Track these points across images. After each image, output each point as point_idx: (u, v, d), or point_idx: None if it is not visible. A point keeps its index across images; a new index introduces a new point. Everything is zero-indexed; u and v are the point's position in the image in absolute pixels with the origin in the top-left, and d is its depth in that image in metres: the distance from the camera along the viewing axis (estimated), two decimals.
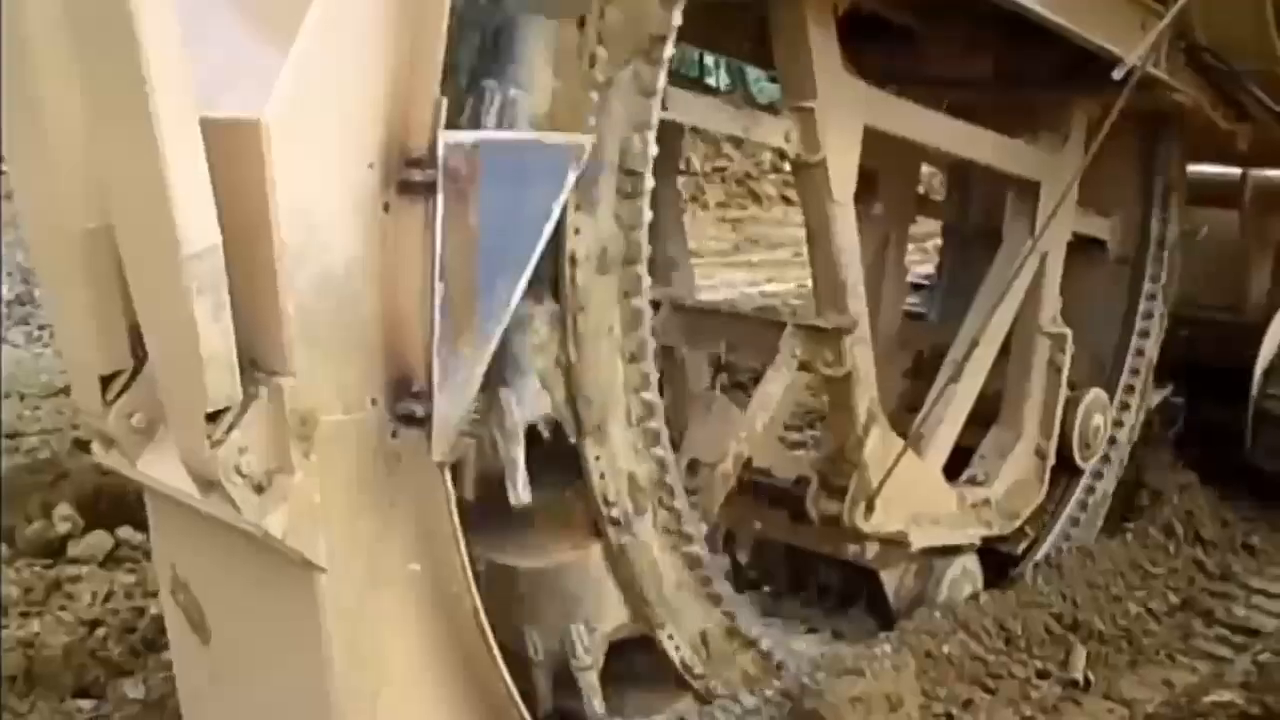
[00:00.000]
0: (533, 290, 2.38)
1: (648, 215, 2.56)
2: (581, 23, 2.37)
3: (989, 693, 3.40)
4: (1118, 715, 3.49)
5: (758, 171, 16.27)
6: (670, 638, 2.82)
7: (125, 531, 4.57)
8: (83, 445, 5.24)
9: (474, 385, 2.24)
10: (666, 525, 2.76)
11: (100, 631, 3.86)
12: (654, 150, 2.53)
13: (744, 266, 11.75)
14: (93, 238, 2.11)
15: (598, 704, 2.68)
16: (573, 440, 2.57)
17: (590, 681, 2.67)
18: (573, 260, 2.47)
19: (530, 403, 2.47)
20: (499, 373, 2.40)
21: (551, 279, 2.47)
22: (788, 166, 3.56)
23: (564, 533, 2.68)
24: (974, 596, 3.75)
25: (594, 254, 2.50)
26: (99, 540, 4.53)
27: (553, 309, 2.49)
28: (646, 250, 2.58)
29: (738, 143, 12.90)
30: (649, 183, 2.55)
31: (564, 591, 2.67)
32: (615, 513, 2.65)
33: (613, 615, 2.73)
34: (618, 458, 2.63)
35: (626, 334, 2.60)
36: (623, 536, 2.68)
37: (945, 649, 3.39)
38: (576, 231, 2.46)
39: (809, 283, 3.46)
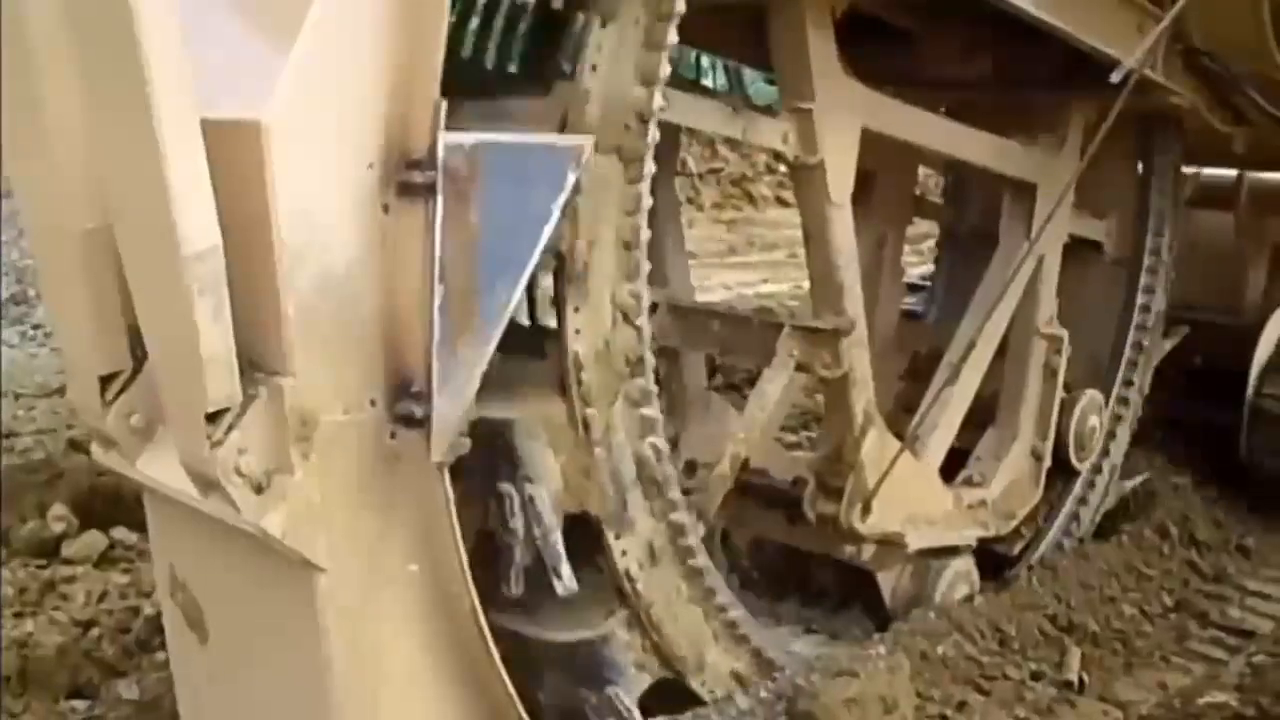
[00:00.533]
0: (604, 605, 2.69)
1: (687, 517, 2.74)
2: (563, 390, 2.52)
3: (983, 694, 3.40)
4: (1112, 717, 3.49)
5: (753, 173, 16.25)
6: None
7: (120, 532, 4.56)
8: (78, 445, 5.23)
9: (473, 386, 2.23)
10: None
11: (94, 632, 3.86)
12: (670, 472, 2.70)
13: (740, 268, 11.74)
14: (93, 238, 2.10)
15: None
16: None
17: None
18: (629, 576, 2.68)
19: (634, 690, 2.71)
20: (601, 675, 2.67)
21: (617, 590, 2.69)
22: (783, 168, 3.57)
23: None
24: (969, 598, 3.76)
25: (644, 560, 2.70)
26: (93, 540, 4.52)
27: (625, 614, 2.72)
28: (699, 528, 2.80)
29: (733, 144, 12.88)
30: (675, 491, 2.70)
31: None
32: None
33: None
34: (719, 668, 2.90)
35: (693, 588, 2.81)
36: None
37: (940, 650, 3.39)
38: (624, 553, 2.65)
39: (805, 284, 3.46)
